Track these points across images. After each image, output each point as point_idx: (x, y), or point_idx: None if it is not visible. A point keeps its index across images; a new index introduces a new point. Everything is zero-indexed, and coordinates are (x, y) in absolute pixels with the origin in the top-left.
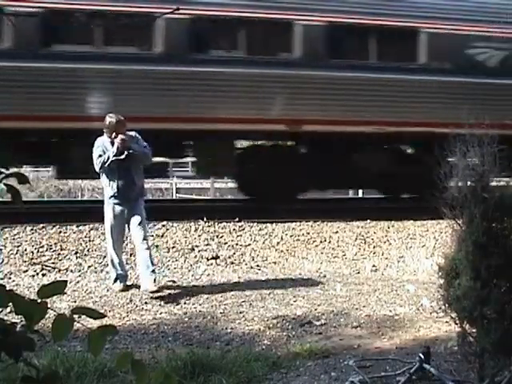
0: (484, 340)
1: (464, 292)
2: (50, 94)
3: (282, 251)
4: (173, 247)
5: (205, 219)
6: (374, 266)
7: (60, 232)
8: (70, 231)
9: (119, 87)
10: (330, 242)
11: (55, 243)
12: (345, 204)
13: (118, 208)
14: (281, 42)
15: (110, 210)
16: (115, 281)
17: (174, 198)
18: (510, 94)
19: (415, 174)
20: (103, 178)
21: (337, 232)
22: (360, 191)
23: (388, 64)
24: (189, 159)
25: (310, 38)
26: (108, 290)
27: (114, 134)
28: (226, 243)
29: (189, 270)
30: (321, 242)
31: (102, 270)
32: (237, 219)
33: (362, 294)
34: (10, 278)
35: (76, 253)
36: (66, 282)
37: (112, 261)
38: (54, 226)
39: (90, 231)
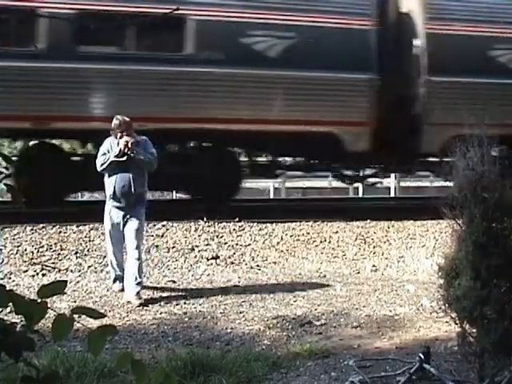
0: (484, 340)
1: (464, 292)
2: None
3: (282, 251)
4: (173, 247)
5: (205, 219)
6: (374, 266)
7: (60, 232)
8: (70, 231)
9: None
10: (330, 242)
11: (55, 243)
12: (345, 204)
13: (116, 211)
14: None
15: (108, 211)
16: (115, 281)
17: (174, 198)
18: (294, 87)
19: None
20: (105, 178)
21: (337, 232)
22: (360, 191)
23: (148, 55)
24: None
25: (56, 28)
26: (108, 290)
27: (119, 135)
28: (226, 243)
29: (189, 270)
30: (321, 242)
31: (101, 270)
32: (237, 219)
33: (362, 294)
34: (9, 278)
35: (76, 253)
36: (65, 282)
37: (111, 261)
38: (54, 226)
39: (90, 231)
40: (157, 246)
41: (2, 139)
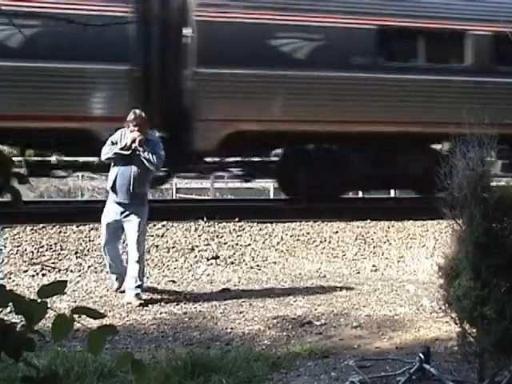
0: (484, 340)
1: (464, 292)
2: None
3: (282, 251)
4: (173, 247)
5: (205, 219)
6: (374, 265)
7: (60, 232)
8: (70, 231)
9: None
10: (329, 242)
11: (55, 243)
12: (345, 204)
13: (114, 206)
14: None
15: (107, 205)
16: (117, 279)
17: (174, 198)
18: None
19: None
20: (110, 170)
21: (337, 232)
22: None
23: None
24: None
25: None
26: (108, 290)
27: (130, 128)
28: (225, 243)
29: (189, 270)
30: (321, 242)
31: (101, 270)
32: (237, 219)
33: (362, 294)
34: (10, 278)
35: (76, 253)
36: (66, 282)
37: (103, 258)
38: (54, 226)
39: (89, 231)
40: (157, 246)
41: None
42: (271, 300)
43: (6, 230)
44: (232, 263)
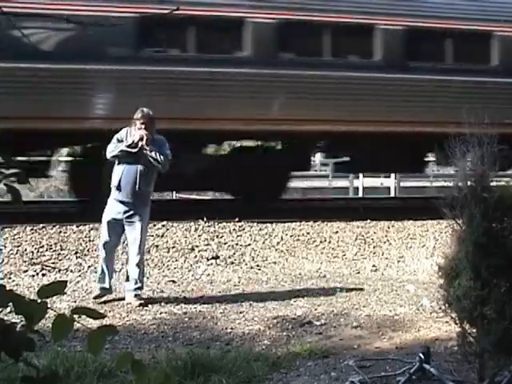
0: (484, 340)
1: (464, 292)
2: None
3: (282, 251)
4: (173, 247)
5: (205, 219)
6: (374, 265)
7: (60, 232)
8: (70, 231)
9: None
10: (329, 242)
11: (55, 243)
12: (345, 204)
13: (118, 204)
14: None
15: (110, 204)
16: (99, 280)
17: (174, 198)
18: None
19: None
20: (114, 168)
21: (337, 232)
22: (360, 191)
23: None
24: None
25: None
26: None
27: (138, 126)
28: (225, 243)
29: (189, 270)
30: (321, 242)
31: None
32: (237, 219)
33: (362, 294)
34: (10, 278)
35: (76, 253)
36: (66, 282)
37: (100, 259)
38: (54, 226)
39: (89, 231)
40: (157, 246)
41: None
42: (271, 300)
43: (6, 229)
44: (232, 263)
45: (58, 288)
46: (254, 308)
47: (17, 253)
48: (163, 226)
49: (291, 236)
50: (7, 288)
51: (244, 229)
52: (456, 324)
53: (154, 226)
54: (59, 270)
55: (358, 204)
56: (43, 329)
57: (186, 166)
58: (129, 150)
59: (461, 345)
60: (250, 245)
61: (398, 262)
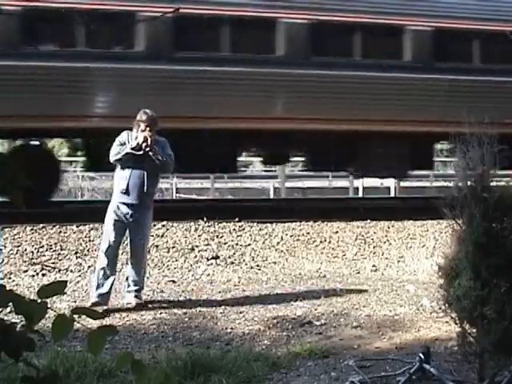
0: (484, 340)
1: (464, 292)
2: None
3: (282, 251)
4: (173, 247)
5: (205, 219)
6: (374, 265)
7: (60, 232)
8: (70, 231)
9: None
10: (329, 242)
11: (55, 243)
12: (345, 204)
13: (123, 207)
14: None
15: (113, 207)
16: (97, 287)
17: (174, 198)
18: None
19: None
20: (116, 171)
21: (337, 232)
22: (360, 191)
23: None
24: None
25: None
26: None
27: (142, 128)
28: (225, 243)
29: (189, 270)
30: (321, 242)
31: None
32: (237, 219)
33: (362, 294)
34: (10, 278)
35: (76, 253)
36: (65, 282)
37: (101, 263)
38: (54, 226)
39: (89, 231)
40: (157, 246)
41: None
42: (271, 300)
43: (6, 229)
44: (232, 263)
45: (58, 288)
46: (253, 308)
47: (17, 253)
48: (163, 226)
49: (291, 236)
50: (7, 288)
51: (244, 229)
52: (456, 324)
53: (154, 226)
54: (59, 270)
55: (358, 204)
56: (43, 329)
57: None
58: (134, 152)
59: (461, 345)
60: (249, 245)
61: (398, 261)
